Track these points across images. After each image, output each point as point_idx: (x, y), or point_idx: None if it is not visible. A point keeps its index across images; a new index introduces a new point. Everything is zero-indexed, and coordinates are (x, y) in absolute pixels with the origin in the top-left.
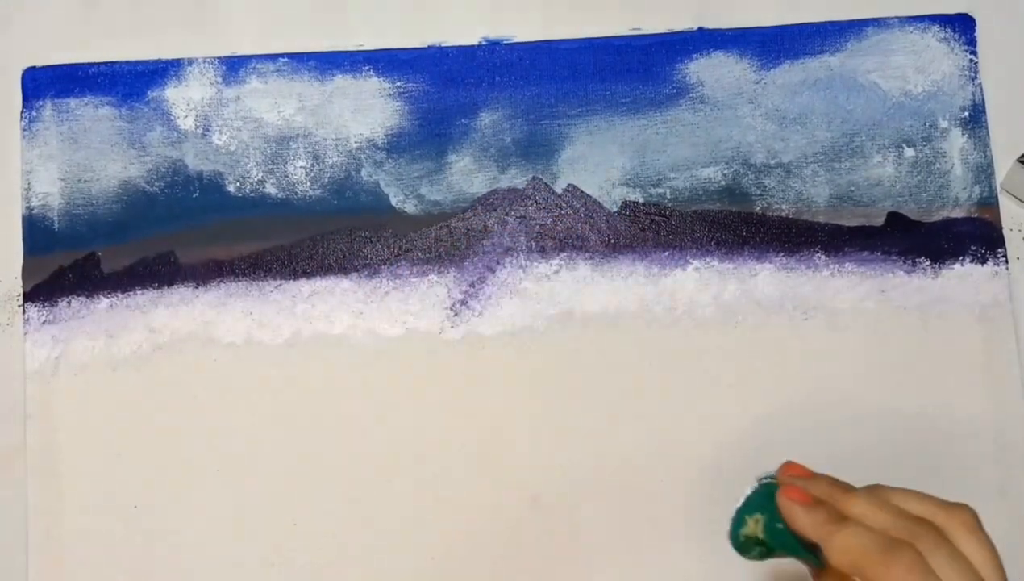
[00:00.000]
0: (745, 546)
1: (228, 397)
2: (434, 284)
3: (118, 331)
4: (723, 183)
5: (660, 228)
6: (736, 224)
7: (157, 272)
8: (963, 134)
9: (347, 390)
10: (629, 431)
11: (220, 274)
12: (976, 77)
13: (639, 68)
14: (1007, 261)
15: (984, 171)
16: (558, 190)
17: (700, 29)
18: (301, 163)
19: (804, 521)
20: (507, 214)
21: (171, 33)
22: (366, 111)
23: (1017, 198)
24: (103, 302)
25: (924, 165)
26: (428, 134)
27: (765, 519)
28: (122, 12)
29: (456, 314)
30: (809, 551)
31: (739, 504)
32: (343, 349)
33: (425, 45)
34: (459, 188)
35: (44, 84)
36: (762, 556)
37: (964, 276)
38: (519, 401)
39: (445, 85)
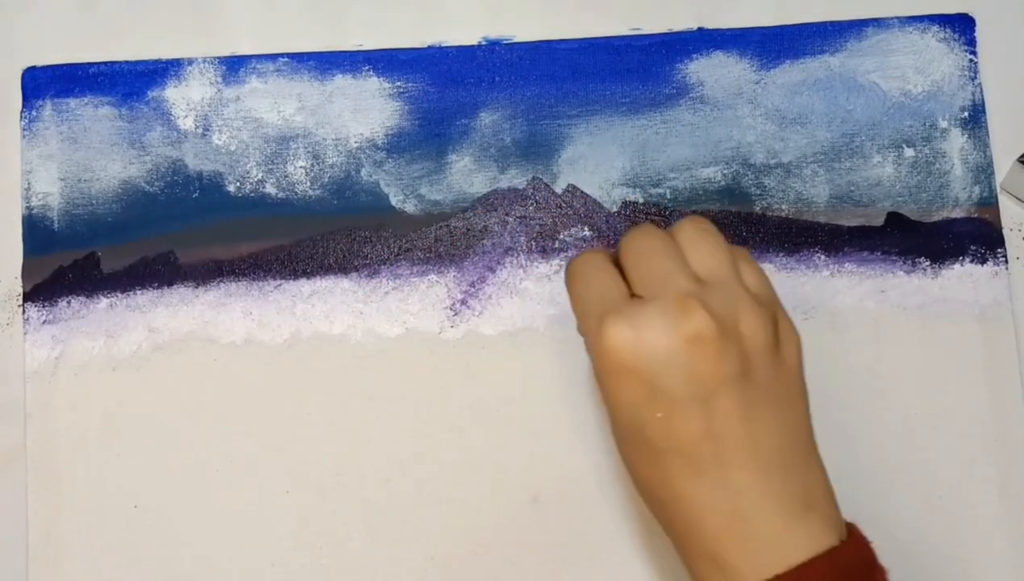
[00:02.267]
0: None
1: (228, 397)
2: (434, 284)
3: (118, 331)
4: (723, 183)
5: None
6: (736, 224)
7: (157, 272)
8: (963, 134)
9: (347, 390)
10: None
11: (220, 274)
12: (976, 77)
13: (639, 68)
14: (1007, 261)
15: (984, 171)
16: (558, 190)
17: (700, 29)
18: (301, 163)
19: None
20: (507, 214)
21: (171, 33)
22: (366, 111)
23: (1017, 198)
24: (103, 302)
25: (924, 165)
26: (428, 134)
27: None
28: (122, 12)
29: (456, 314)
30: None
31: None
32: (343, 349)
33: (425, 45)
34: (459, 188)
35: (44, 84)
36: None
37: (964, 276)
38: (519, 401)
39: (445, 85)
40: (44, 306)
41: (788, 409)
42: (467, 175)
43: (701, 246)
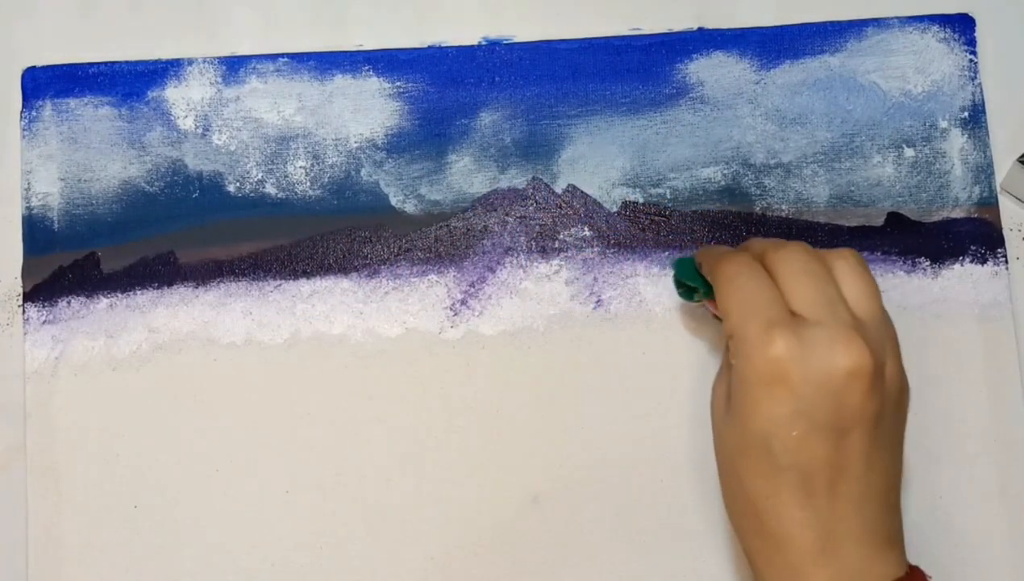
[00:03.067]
0: (680, 291)
1: (228, 397)
2: (434, 284)
3: (118, 331)
4: (723, 183)
5: (660, 228)
6: (736, 224)
7: (157, 272)
8: (963, 134)
9: (347, 390)
10: (629, 431)
11: (220, 274)
12: (976, 77)
13: (639, 68)
14: (1007, 261)
15: (984, 171)
16: (558, 190)
17: (700, 29)
18: (301, 163)
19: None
20: (507, 214)
21: (171, 33)
22: (366, 111)
23: (1017, 198)
24: (103, 302)
25: (924, 165)
26: (428, 134)
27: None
28: (122, 12)
29: (456, 314)
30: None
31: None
32: (343, 349)
33: (425, 45)
34: (459, 188)
35: (44, 84)
36: (687, 296)
37: (964, 276)
38: (519, 401)
39: (445, 85)
40: (44, 306)
41: (896, 453)
42: (467, 175)
43: (860, 284)
